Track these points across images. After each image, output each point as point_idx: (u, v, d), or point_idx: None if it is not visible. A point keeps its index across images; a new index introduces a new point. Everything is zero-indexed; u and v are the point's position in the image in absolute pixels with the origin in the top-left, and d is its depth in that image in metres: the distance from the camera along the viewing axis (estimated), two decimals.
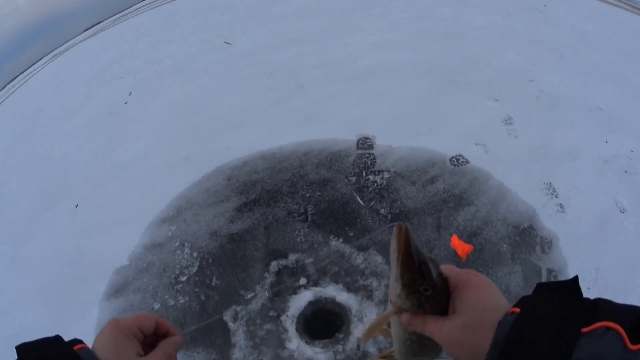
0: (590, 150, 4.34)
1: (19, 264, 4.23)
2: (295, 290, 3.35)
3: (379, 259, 3.48)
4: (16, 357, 0.47)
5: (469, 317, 0.49)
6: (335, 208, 3.90)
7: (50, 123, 7.88)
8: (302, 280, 3.40)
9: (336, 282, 3.38)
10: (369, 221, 3.76)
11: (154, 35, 11.39)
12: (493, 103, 5.48)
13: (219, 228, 3.88)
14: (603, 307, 0.41)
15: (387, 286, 3.13)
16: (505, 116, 5.19)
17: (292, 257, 3.58)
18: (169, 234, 3.91)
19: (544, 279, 3.06)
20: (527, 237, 3.47)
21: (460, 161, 4.27)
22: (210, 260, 3.64)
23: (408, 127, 4.86)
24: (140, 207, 4.21)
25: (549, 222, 3.59)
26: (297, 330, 3.16)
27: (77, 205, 4.55)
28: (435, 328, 0.51)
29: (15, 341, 0.48)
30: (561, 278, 3.09)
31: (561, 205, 3.68)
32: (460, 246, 3.47)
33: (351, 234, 3.69)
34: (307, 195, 4.07)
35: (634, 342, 0.36)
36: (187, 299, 3.42)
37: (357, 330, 3.11)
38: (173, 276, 3.58)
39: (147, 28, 12.94)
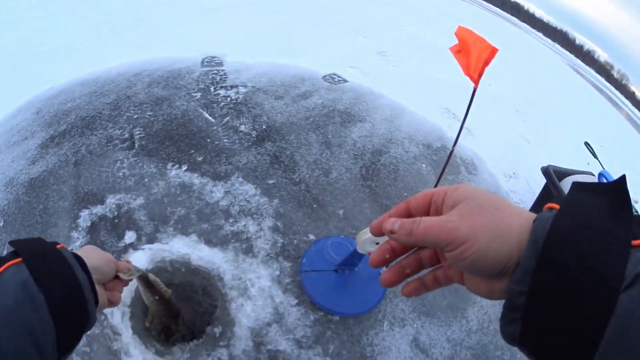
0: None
1: None
2: (119, 256, 2.12)
3: (249, 189, 2.55)
4: (12, 250, 0.46)
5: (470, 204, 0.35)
6: (173, 128, 3.01)
7: None
8: (130, 236, 2.20)
9: (185, 232, 2.24)
10: (225, 141, 2.93)
11: None
12: (362, 39, 5.31)
13: (15, 174, 2.85)
14: None
15: (271, 228, 2.33)
16: (379, 49, 5.10)
17: (112, 200, 2.47)
18: None
19: None
20: (445, 157, 2.91)
21: (336, 79, 3.76)
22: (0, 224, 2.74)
23: (265, 47, 4.25)
24: None
25: (463, 142, 3.22)
26: (134, 331, 1.82)
27: None
28: (432, 222, 0.36)
29: None
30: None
31: (467, 129, 3.38)
32: (471, 38, 1.77)
33: (200, 159, 2.77)
34: (135, 117, 3.12)
35: None
36: None
37: (243, 313, 1.93)
38: None
39: None
